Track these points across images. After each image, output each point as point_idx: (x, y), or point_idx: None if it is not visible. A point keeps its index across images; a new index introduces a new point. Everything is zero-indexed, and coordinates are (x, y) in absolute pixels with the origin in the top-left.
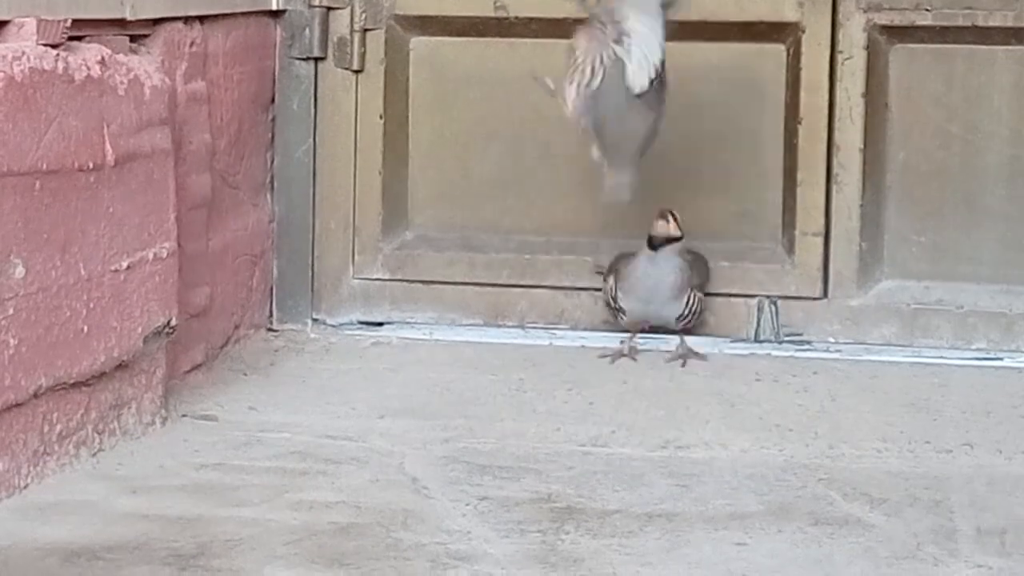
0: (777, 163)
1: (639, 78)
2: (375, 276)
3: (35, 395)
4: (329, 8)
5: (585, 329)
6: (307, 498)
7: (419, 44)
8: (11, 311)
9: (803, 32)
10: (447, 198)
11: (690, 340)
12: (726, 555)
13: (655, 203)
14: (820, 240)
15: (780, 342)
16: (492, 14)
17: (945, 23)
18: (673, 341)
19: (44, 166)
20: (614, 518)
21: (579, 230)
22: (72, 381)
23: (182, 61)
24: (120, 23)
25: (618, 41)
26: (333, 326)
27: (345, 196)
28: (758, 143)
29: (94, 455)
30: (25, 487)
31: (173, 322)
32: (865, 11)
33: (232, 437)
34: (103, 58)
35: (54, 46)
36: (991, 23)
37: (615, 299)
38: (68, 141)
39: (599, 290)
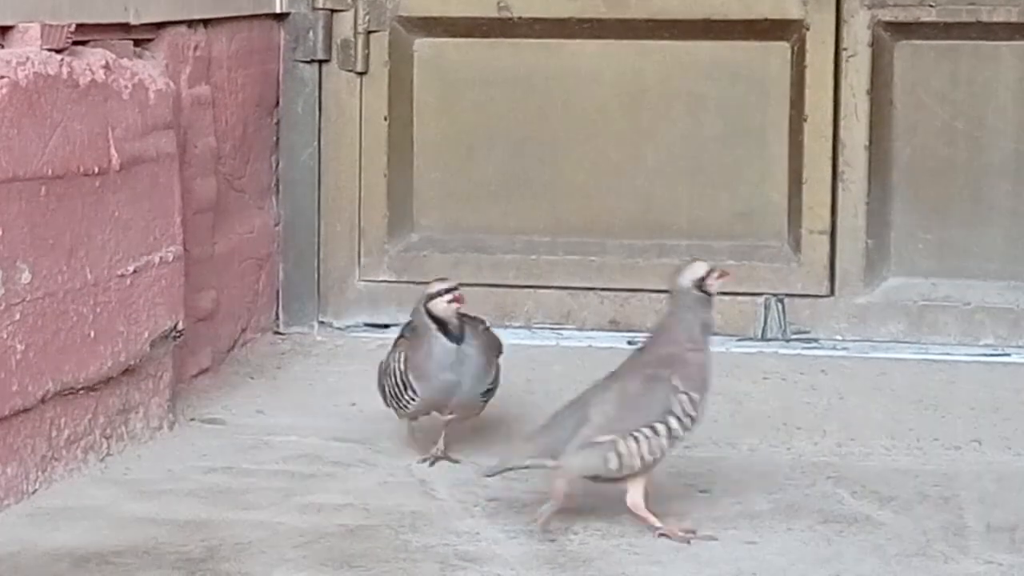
0: (782, 161)
1: None
2: (381, 278)
3: (43, 400)
4: (333, 11)
5: (592, 329)
6: (315, 501)
7: (423, 46)
8: (18, 316)
9: (807, 29)
10: (452, 199)
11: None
12: (736, 554)
13: (659, 204)
14: (826, 238)
15: (787, 340)
16: (496, 15)
17: (949, 19)
18: None
19: (49, 171)
20: (622, 518)
21: (585, 230)
22: (79, 386)
23: (186, 65)
24: (124, 27)
25: None
26: (339, 329)
27: (350, 198)
28: (763, 141)
29: (102, 460)
30: (33, 492)
31: (180, 326)
32: (869, 8)
33: (240, 440)
34: (107, 63)
35: (58, 51)
36: (995, 18)
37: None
38: (73, 146)
39: (605, 290)
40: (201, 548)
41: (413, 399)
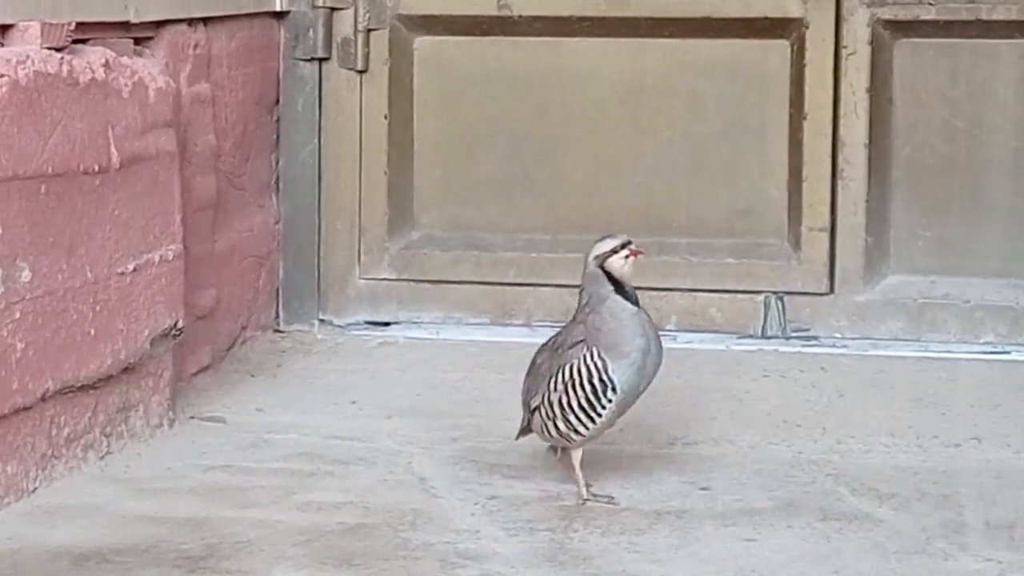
0: (782, 159)
1: None
2: (381, 276)
3: (42, 398)
4: (333, 9)
5: None
6: (315, 499)
7: (423, 44)
8: (18, 315)
9: (807, 27)
10: (453, 197)
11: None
12: (735, 551)
13: (659, 201)
14: (826, 235)
15: (787, 338)
16: (496, 13)
17: (949, 17)
18: None
19: (49, 169)
20: (623, 515)
21: (585, 228)
22: (79, 384)
23: (186, 63)
24: (124, 26)
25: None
26: (340, 327)
27: (351, 196)
28: (763, 139)
29: (102, 458)
30: (33, 490)
31: (180, 324)
32: (869, 6)
33: (240, 439)
34: (107, 61)
35: (58, 49)
36: (995, 16)
37: (605, 376)
38: (73, 144)
39: None
40: (201, 546)
41: (611, 399)
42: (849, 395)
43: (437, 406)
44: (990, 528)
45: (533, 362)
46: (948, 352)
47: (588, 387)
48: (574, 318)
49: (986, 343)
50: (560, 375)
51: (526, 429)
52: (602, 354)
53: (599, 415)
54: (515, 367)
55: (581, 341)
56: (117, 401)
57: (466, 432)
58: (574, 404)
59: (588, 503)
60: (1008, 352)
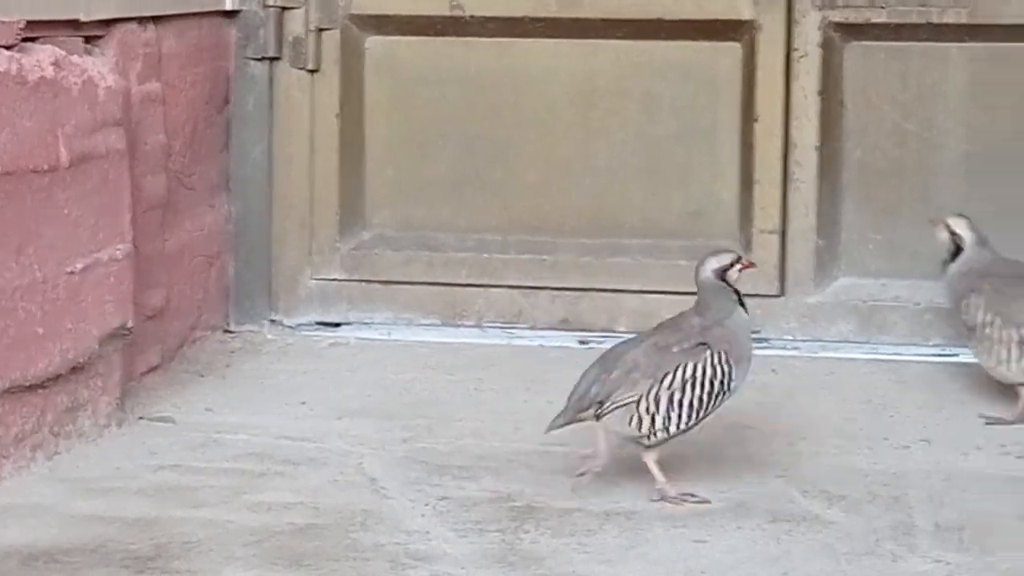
0: (733, 161)
1: None
2: (332, 276)
3: None
4: (284, 8)
5: (544, 328)
6: (265, 499)
7: (375, 44)
8: None
9: (758, 30)
10: (404, 198)
11: None
12: (685, 552)
13: (611, 203)
14: (777, 238)
15: None
16: (448, 13)
17: (899, 20)
18: None
19: None
20: (573, 517)
21: (537, 229)
22: (27, 384)
23: (136, 62)
24: (74, 24)
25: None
26: (290, 327)
27: (302, 196)
28: (714, 141)
29: (50, 458)
30: None
31: (129, 324)
32: (820, 9)
33: (189, 439)
34: (57, 59)
35: (7, 47)
36: (945, 20)
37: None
38: (22, 143)
39: (557, 289)
40: (150, 546)
41: (719, 403)
42: (799, 397)
43: (388, 407)
44: (939, 530)
45: (617, 356)
46: (898, 354)
47: (708, 386)
48: (675, 325)
49: (935, 345)
50: (680, 371)
51: (566, 423)
52: (730, 359)
53: (699, 415)
54: (466, 368)
55: (703, 344)
56: (66, 401)
57: (417, 433)
58: (685, 401)
59: (675, 500)
60: (957, 354)
